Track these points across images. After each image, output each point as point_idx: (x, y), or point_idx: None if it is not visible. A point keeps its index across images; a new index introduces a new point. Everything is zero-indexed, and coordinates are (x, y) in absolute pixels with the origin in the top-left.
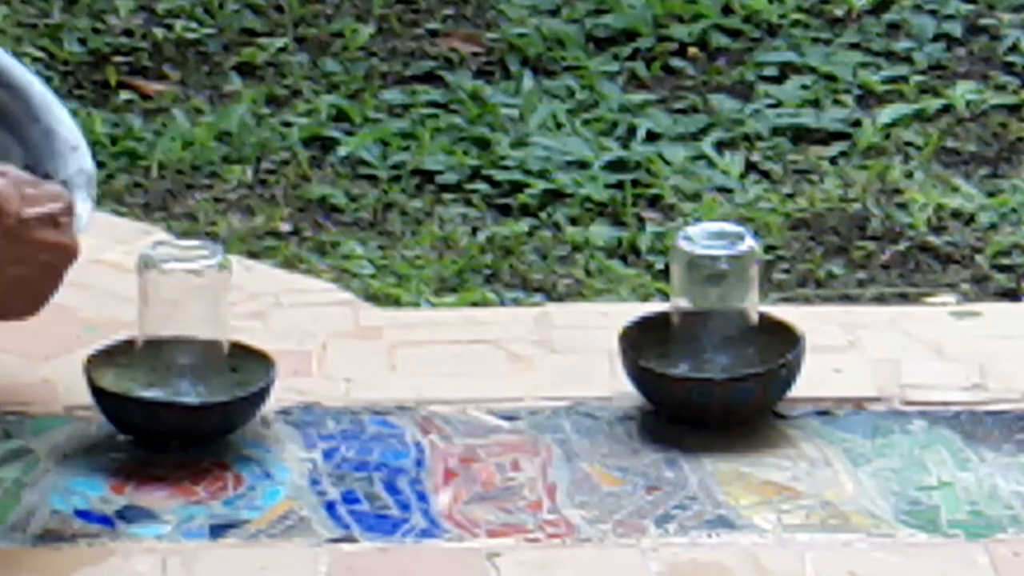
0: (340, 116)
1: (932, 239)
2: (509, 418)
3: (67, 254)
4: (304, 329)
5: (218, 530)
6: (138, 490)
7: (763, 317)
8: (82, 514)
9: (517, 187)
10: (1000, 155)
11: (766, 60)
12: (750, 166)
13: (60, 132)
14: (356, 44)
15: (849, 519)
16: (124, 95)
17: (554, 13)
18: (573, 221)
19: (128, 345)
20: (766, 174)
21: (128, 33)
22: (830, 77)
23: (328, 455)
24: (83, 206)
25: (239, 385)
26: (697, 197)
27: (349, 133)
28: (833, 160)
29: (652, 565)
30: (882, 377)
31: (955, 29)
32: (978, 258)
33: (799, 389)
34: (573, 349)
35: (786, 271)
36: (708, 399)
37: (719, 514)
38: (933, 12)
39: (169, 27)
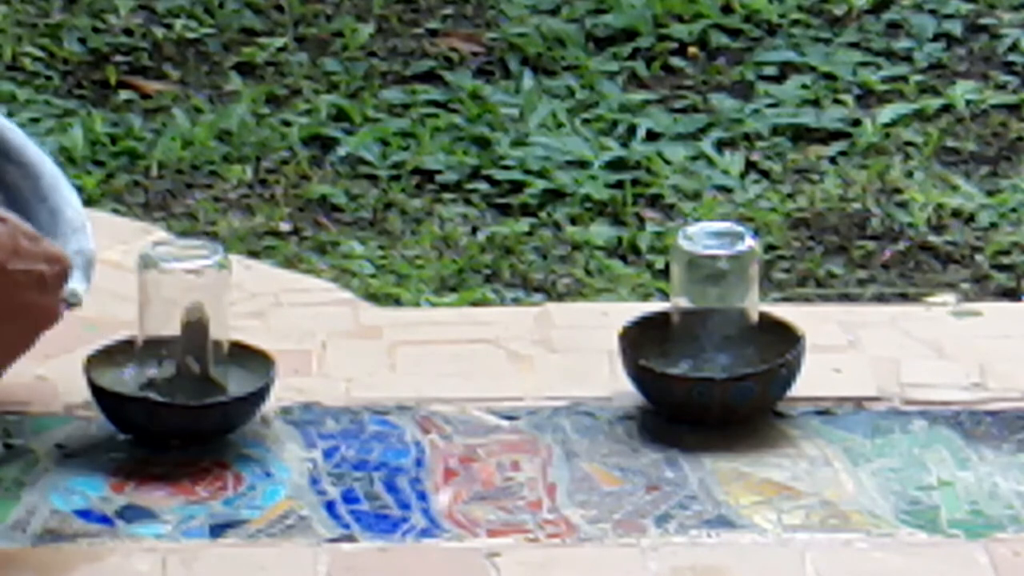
0: (340, 115)
1: (932, 239)
2: (509, 418)
3: (44, 318)
4: (304, 328)
5: (218, 530)
6: (138, 490)
7: (763, 316)
8: (82, 514)
9: (517, 186)
10: (1000, 154)
11: (766, 60)
12: (750, 165)
13: (66, 212)
14: (356, 44)
15: (849, 519)
16: (124, 94)
17: (554, 12)
18: (573, 220)
19: (128, 345)
20: (766, 173)
21: (128, 32)
22: (830, 76)
23: (328, 454)
24: (79, 286)
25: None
26: (697, 196)
27: (349, 132)
28: (833, 160)
29: (652, 565)
30: (882, 377)
31: (955, 28)
32: (978, 258)
33: (799, 388)
34: (573, 349)
35: (786, 270)
36: (708, 398)
37: (719, 514)
38: (933, 11)
39: (169, 26)
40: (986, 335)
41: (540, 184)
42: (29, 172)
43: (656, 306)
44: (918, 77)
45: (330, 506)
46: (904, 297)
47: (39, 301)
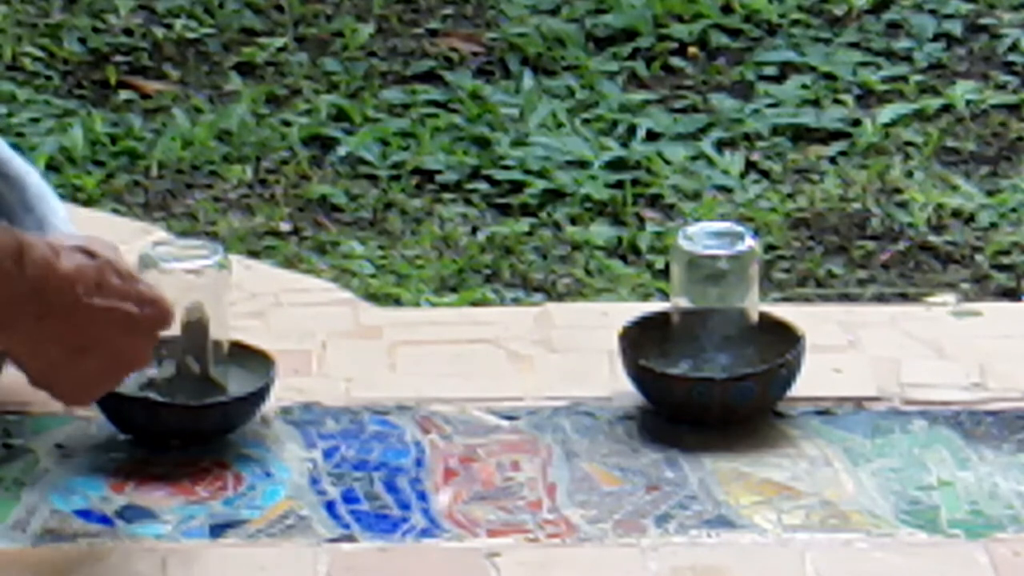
0: (340, 115)
1: (932, 239)
2: (509, 418)
3: (129, 359)
4: (304, 328)
5: (218, 530)
6: (138, 490)
7: (763, 316)
8: (82, 514)
9: (517, 186)
10: (1000, 154)
11: (766, 60)
12: (750, 165)
13: (53, 223)
14: (356, 44)
15: (849, 518)
16: (124, 94)
17: (554, 12)
18: (573, 220)
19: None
20: (766, 173)
21: (128, 32)
22: (830, 76)
23: (328, 454)
24: None
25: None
26: (697, 196)
27: (349, 132)
28: (833, 160)
29: (652, 565)
30: (882, 377)
31: (955, 28)
32: (978, 258)
33: (799, 388)
34: (573, 349)
35: (786, 270)
36: (708, 398)
37: (719, 513)
38: (933, 11)
39: (169, 26)
40: (986, 335)
41: (540, 184)
42: (15, 184)
43: (656, 306)
44: (918, 77)
45: (330, 506)
46: (904, 297)
47: (123, 340)
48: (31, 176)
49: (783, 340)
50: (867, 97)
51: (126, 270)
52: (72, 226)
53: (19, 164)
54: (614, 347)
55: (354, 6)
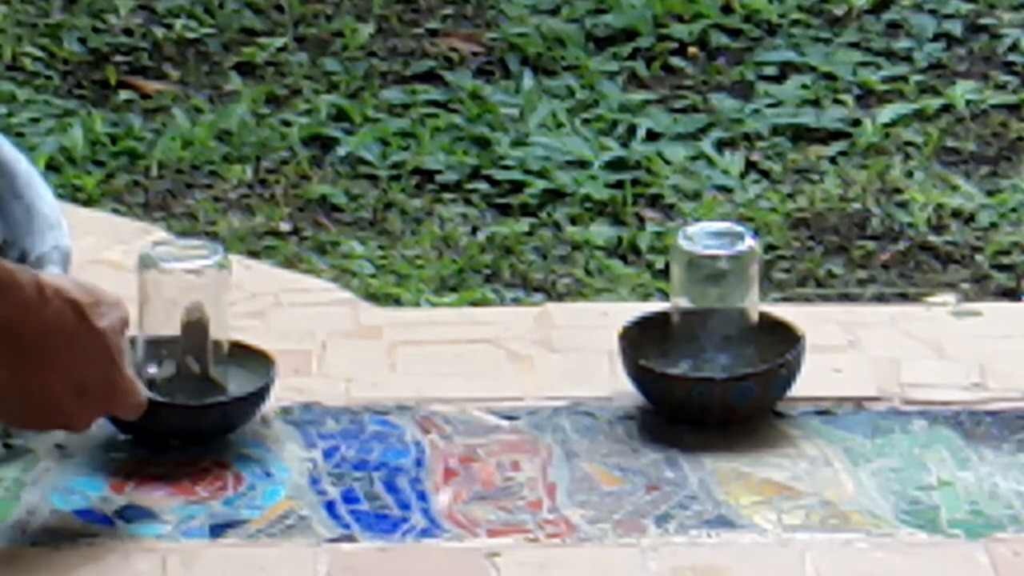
0: (340, 115)
1: (932, 238)
2: (509, 418)
3: (67, 420)
4: (304, 328)
5: (218, 530)
6: (138, 490)
7: (763, 316)
8: (82, 513)
9: (517, 186)
10: (1000, 154)
11: (766, 59)
12: (750, 165)
13: (41, 209)
14: (356, 44)
15: (849, 518)
16: (124, 94)
17: (554, 12)
18: (573, 220)
19: (128, 344)
20: (766, 173)
21: (128, 32)
22: (830, 76)
23: (328, 454)
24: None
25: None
26: (697, 196)
27: (349, 132)
28: (833, 160)
29: (652, 565)
30: (882, 377)
31: (955, 28)
32: (978, 257)
33: (799, 388)
34: (573, 349)
35: (786, 270)
36: (708, 398)
37: (719, 514)
38: (933, 11)
39: (169, 26)
40: (986, 335)
41: (540, 184)
42: (4, 170)
43: (656, 306)
44: (918, 77)
45: (330, 506)
46: (904, 297)
47: (68, 401)
48: (20, 163)
49: (783, 340)
50: (867, 97)
51: (114, 350)
52: (61, 213)
53: (8, 150)
54: (614, 347)
55: (354, 6)
